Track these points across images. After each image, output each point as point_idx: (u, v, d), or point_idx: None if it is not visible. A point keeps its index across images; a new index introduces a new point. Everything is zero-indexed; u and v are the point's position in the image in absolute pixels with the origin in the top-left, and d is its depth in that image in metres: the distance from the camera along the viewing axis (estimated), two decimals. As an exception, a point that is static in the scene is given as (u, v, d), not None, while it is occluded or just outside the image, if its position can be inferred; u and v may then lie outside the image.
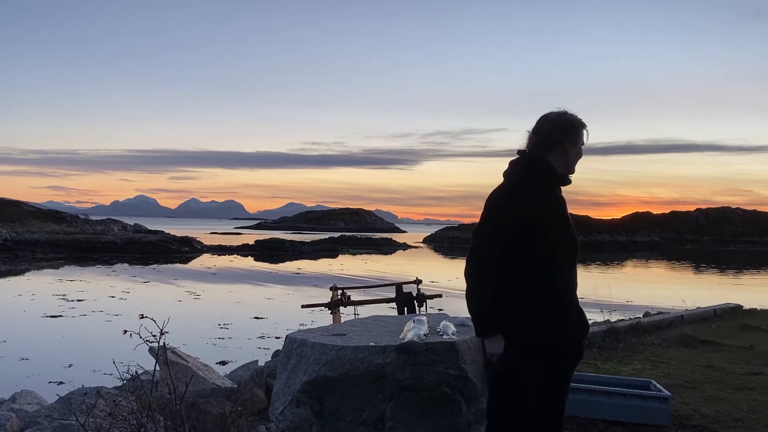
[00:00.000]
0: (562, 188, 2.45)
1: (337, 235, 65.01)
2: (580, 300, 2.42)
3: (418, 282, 8.20)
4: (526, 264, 2.25)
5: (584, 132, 2.39)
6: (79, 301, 16.09)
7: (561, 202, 2.40)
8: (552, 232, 2.27)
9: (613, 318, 9.69)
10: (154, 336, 2.78)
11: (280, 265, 33.38)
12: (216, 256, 39.23)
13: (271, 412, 3.12)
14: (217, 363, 8.95)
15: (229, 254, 40.83)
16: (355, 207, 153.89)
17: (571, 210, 2.50)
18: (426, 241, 77.63)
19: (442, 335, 2.86)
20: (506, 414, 2.26)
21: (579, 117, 2.38)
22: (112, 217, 55.52)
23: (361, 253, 48.16)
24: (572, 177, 2.41)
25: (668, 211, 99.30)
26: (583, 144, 2.40)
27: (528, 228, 2.23)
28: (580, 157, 2.40)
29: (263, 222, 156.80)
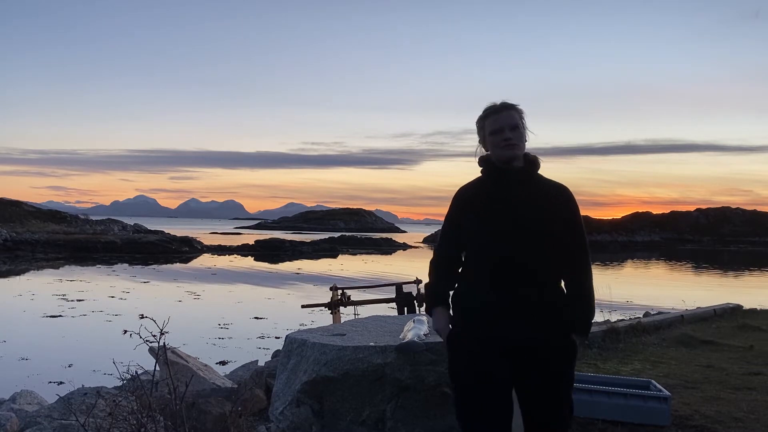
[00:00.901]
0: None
1: (337, 235, 65.01)
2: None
3: (418, 282, 8.20)
4: (468, 255, 2.37)
5: (488, 118, 2.33)
6: (79, 301, 16.09)
7: (502, 192, 2.30)
8: (483, 221, 2.29)
9: (613, 318, 9.69)
10: (154, 336, 2.78)
11: (280, 265, 33.39)
12: (216, 256, 39.24)
13: (271, 412, 3.12)
14: (217, 363, 8.96)
15: (229, 254, 40.84)
16: (355, 207, 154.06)
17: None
18: (426, 241, 77.66)
19: (442, 335, 2.86)
20: (456, 401, 2.31)
21: (491, 104, 2.36)
22: (112, 217, 55.55)
23: (361, 253, 48.15)
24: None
25: (668, 211, 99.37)
26: (493, 129, 2.30)
27: (466, 220, 2.34)
28: (500, 139, 2.28)
29: (263, 222, 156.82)
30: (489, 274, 2.26)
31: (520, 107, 2.35)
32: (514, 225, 2.25)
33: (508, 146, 2.28)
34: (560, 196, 2.33)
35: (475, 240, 2.31)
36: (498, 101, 2.37)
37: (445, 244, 2.42)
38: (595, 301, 2.36)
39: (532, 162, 2.34)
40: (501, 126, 2.29)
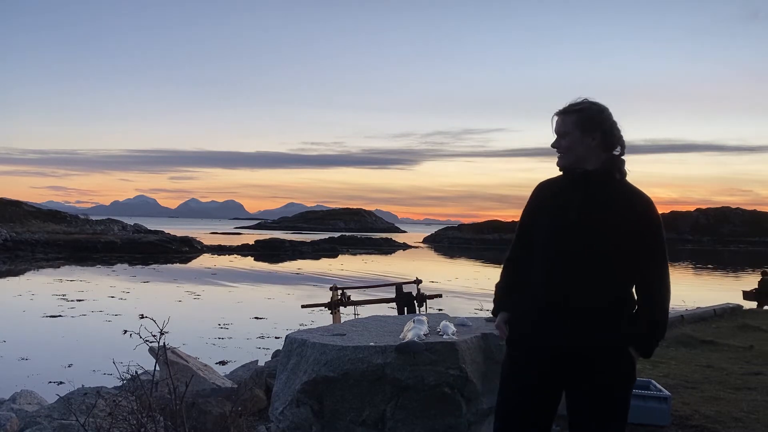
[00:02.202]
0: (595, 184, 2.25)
1: (337, 235, 65.05)
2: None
3: (418, 282, 8.21)
4: (533, 255, 2.27)
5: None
6: (79, 301, 16.09)
7: (570, 193, 2.23)
8: (542, 226, 2.24)
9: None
10: (154, 336, 2.78)
11: (280, 265, 33.40)
12: (216, 256, 39.25)
13: (271, 412, 3.12)
14: (217, 363, 8.96)
15: (229, 254, 40.85)
16: (355, 207, 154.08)
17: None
18: (426, 241, 77.72)
19: (442, 335, 2.86)
20: (497, 402, 2.32)
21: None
22: (112, 217, 55.53)
23: (361, 253, 48.16)
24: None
25: (668, 211, 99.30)
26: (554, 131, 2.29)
27: (535, 218, 2.29)
28: (554, 143, 2.27)
29: (263, 222, 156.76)
30: (545, 276, 2.19)
31: (584, 110, 2.20)
32: (574, 229, 2.15)
33: (558, 155, 2.24)
34: (636, 203, 2.18)
35: (538, 240, 2.25)
36: (568, 102, 2.25)
37: (516, 245, 2.36)
38: (667, 316, 2.24)
39: (606, 165, 2.21)
40: (554, 132, 2.25)
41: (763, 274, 15.74)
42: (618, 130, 2.22)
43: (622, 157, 2.24)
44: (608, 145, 2.20)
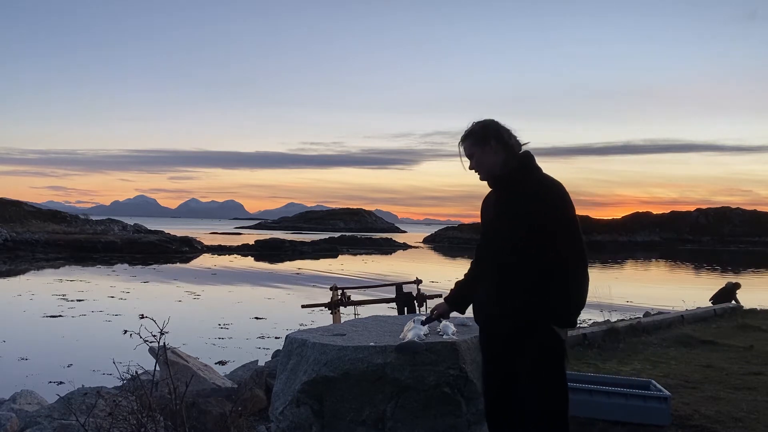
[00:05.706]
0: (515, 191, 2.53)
1: (337, 235, 65.03)
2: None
3: (418, 282, 8.20)
4: None
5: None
6: (79, 301, 16.08)
7: (489, 204, 2.59)
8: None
9: (613, 318, 9.67)
10: (154, 336, 2.78)
11: (280, 265, 33.38)
12: (216, 256, 39.23)
13: (271, 412, 3.12)
14: (217, 363, 8.95)
15: (229, 254, 40.83)
16: (355, 207, 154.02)
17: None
18: (426, 241, 77.67)
19: (442, 335, 2.87)
20: None
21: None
22: (113, 217, 55.50)
23: (361, 253, 48.15)
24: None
25: (668, 211, 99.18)
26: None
27: None
28: (469, 166, 2.58)
29: (263, 222, 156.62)
30: (480, 274, 2.69)
31: (473, 130, 2.51)
32: (487, 231, 2.57)
33: (477, 174, 2.56)
34: (542, 192, 2.41)
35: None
36: (463, 131, 2.55)
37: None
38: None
39: (511, 166, 2.49)
40: (466, 158, 2.57)
41: (735, 286, 16.04)
42: (507, 132, 2.52)
43: (526, 153, 2.51)
44: (504, 147, 2.48)
